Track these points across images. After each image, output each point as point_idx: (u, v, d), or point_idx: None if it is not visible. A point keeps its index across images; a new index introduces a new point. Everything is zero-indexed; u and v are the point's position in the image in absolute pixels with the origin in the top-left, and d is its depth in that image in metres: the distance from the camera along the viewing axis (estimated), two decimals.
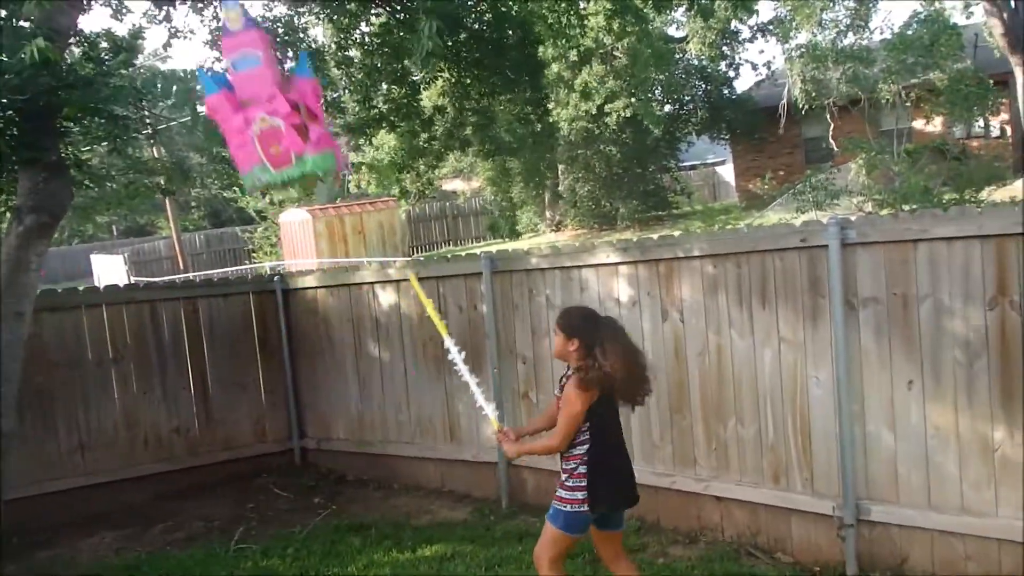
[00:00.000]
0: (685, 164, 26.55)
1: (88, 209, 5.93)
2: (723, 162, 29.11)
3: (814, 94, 17.10)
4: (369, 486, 6.64)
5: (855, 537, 4.16)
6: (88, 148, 5.74)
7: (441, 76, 9.96)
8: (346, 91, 9.49)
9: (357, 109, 9.46)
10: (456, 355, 3.72)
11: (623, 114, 17.30)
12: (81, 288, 6.85)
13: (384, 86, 9.73)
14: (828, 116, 18.00)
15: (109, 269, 24.92)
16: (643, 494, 5.04)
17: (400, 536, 5.34)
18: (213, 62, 7.47)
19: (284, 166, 3.32)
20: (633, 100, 17.21)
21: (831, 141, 18.53)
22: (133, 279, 21.41)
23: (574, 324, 3.47)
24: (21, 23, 4.29)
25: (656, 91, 20.29)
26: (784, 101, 18.86)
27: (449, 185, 29.13)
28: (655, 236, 5.13)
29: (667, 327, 4.90)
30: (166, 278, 17.63)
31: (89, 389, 6.48)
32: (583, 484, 3.41)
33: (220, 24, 3.45)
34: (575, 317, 3.53)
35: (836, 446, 4.20)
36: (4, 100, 4.07)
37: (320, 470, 7.08)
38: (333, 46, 8.95)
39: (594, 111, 17.91)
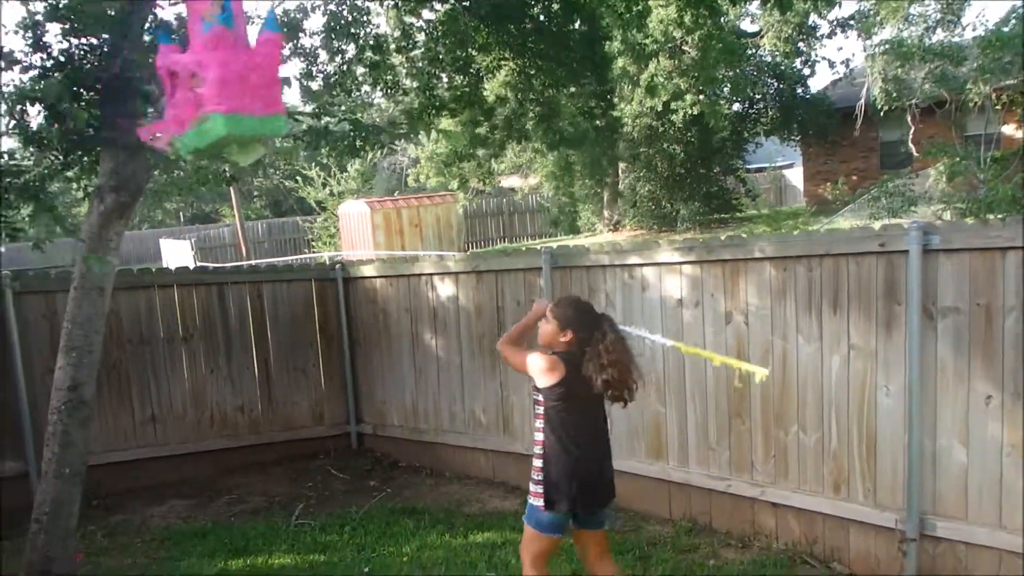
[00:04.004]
0: (751, 166, 25.93)
1: (160, 194, 6.11)
2: (791, 165, 28.41)
3: (895, 94, 16.00)
4: (422, 473, 6.74)
5: (917, 552, 4.04)
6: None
7: (505, 66, 10.00)
8: (407, 78, 9.57)
9: (418, 96, 9.54)
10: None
11: (690, 112, 16.92)
12: (154, 269, 7.12)
13: (445, 76, 9.81)
14: (909, 118, 16.87)
15: (177, 253, 25.70)
16: (696, 496, 5.09)
17: (452, 522, 5.43)
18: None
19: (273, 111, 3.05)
20: (701, 98, 16.83)
21: (910, 145, 17.48)
22: (199, 264, 22.04)
23: (570, 316, 3.34)
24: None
25: (725, 88, 19.76)
26: (862, 101, 17.97)
27: (507, 182, 29.18)
28: (722, 236, 5.05)
29: (730, 330, 4.83)
30: (231, 264, 18.09)
31: (160, 366, 6.74)
32: (541, 479, 3.33)
33: None
34: (573, 309, 3.38)
35: (903, 458, 4.08)
36: (87, 82, 4.22)
37: (375, 455, 7.22)
38: (397, 32, 9.04)
39: (659, 108, 17.63)
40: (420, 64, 9.26)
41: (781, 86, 21.46)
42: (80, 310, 4.25)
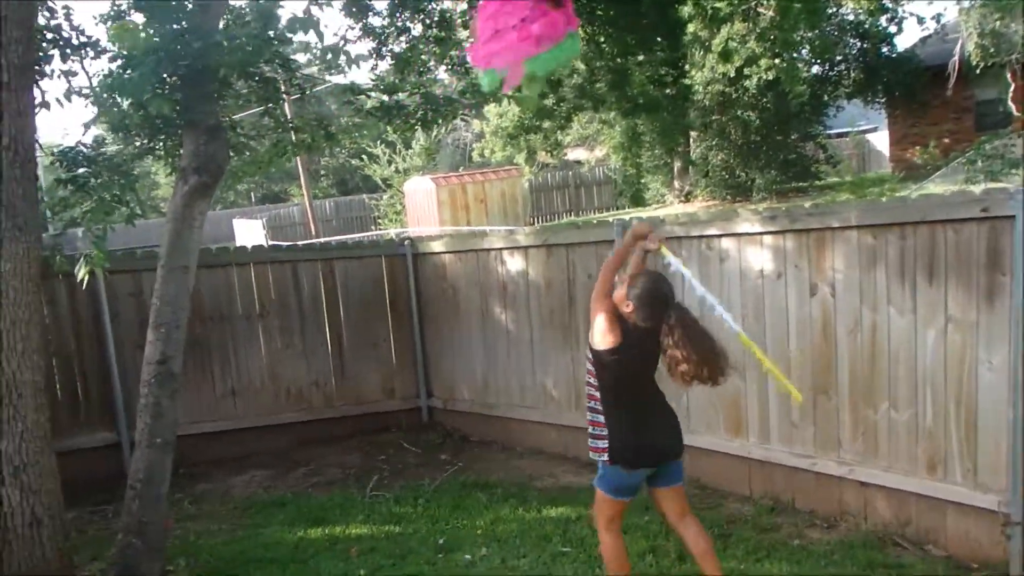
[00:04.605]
0: (832, 131, 24.81)
1: (239, 172, 6.24)
2: (874, 129, 27.12)
3: (992, 50, 14.75)
4: (493, 447, 6.74)
5: (1023, 536, 3.80)
6: (233, 117, 6.03)
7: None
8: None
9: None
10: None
11: (765, 77, 16.24)
12: (232, 248, 7.29)
13: None
14: (1008, 75, 15.58)
15: (249, 233, 26.28)
16: (778, 474, 4.92)
17: (525, 496, 5.40)
18: (347, 29, 7.63)
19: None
20: (777, 62, 16.12)
21: (1010, 104, 16.17)
22: (270, 242, 22.53)
23: (638, 292, 3.37)
24: None
25: (803, 51, 18.84)
26: (955, 59, 16.69)
27: (573, 154, 28.84)
28: (806, 205, 4.82)
29: (815, 302, 4.62)
30: (302, 242, 18.46)
31: (239, 341, 6.91)
32: (603, 434, 3.42)
33: None
34: (644, 288, 3.38)
35: (1007, 437, 3.82)
36: (168, 66, 4.31)
37: (446, 428, 7.25)
38: (463, 5, 8.91)
39: (732, 73, 17.01)
40: None
41: (865, 46, 20.34)
42: (167, 288, 4.38)
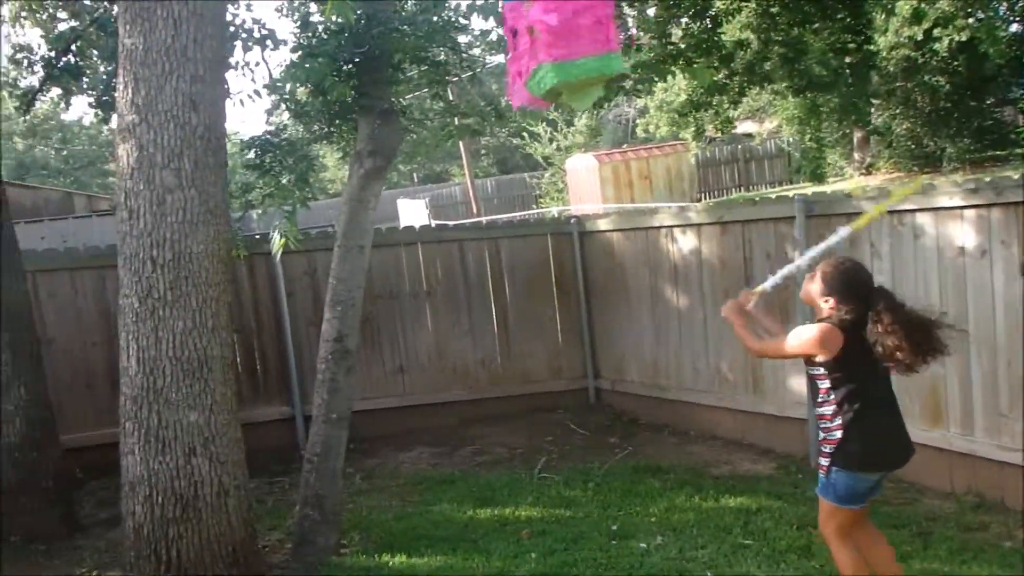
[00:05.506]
0: None
1: (411, 155, 6.41)
2: None
3: None
4: (663, 431, 6.54)
5: None
6: (409, 97, 6.17)
7: (746, 7, 9.29)
8: (637, 28, 9.23)
9: (653, 46, 9.15)
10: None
11: (957, 38, 14.74)
12: (399, 228, 7.49)
13: (683, 20, 9.30)
14: None
15: (412, 213, 27.14)
16: (984, 469, 4.45)
17: (700, 484, 5.19)
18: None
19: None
20: (970, 21, 14.57)
21: None
22: (434, 222, 23.17)
23: (837, 284, 3.09)
24: None
25: (1000, 8, 16.98)
26: None
27: (741, 127, 27.55)
28: (1013, 175, 4.32)
29: None
30: (469, 221, 18.88)
31: (407, 319, 7.08)
32: (842, 447, 3.11)
33: None
34: (844, 278, 3.10)
35: None
36: (345, 54, 4.47)
37: (614, 410, 7.11)
38: None
39: (920, 36, 15.57)
40: (656, 12, 8.86)
41: None
42: (344, 267, 4.53)
